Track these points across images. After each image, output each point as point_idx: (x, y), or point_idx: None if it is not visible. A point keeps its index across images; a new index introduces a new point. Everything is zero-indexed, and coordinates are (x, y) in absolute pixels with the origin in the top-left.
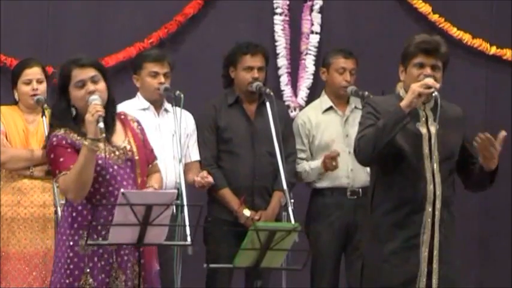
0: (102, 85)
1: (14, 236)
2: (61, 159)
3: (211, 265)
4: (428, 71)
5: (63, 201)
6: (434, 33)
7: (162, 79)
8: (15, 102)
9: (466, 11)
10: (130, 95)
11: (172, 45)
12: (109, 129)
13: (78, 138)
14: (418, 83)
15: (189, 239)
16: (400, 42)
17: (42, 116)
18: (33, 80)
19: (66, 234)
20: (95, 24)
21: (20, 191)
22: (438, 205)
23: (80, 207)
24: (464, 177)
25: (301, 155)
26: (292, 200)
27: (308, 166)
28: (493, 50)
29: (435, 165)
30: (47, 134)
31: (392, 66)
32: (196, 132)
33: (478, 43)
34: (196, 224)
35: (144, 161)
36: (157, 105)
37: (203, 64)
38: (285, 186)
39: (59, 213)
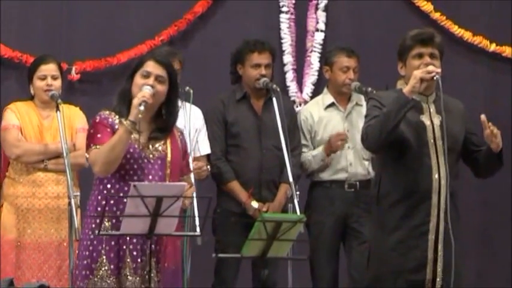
0: (163, 87)
1: (29, 226)
2: (98, 135)
3: (220, 255)
4: (427, 59)
5: (77, 193)
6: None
7: None
8: (31, 98)
9: (467, 10)
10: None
11: (181, 42)
12: (159, 132)
13: (119, 121)
14: (419, 70)
15: (198, 229)
16: None
17: (56, 111)
18: (48, 76)
19: (91, 217)
20: (108, 22)
21: (35, 183)
22: (443, 195)
23: (104, 192)
24: (472, 165)
25: (304, 149)
26: (298, 192)
27: (310, 154)
28: (493, 47)
29: (440, 155)
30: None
31: (395, 62)
32: (205, 126)
33: (479, 40)
34: (205, 215)
35: (176, 166)
36: None
37: (212, 61)
38: (291, 179)
39: (73, 204)
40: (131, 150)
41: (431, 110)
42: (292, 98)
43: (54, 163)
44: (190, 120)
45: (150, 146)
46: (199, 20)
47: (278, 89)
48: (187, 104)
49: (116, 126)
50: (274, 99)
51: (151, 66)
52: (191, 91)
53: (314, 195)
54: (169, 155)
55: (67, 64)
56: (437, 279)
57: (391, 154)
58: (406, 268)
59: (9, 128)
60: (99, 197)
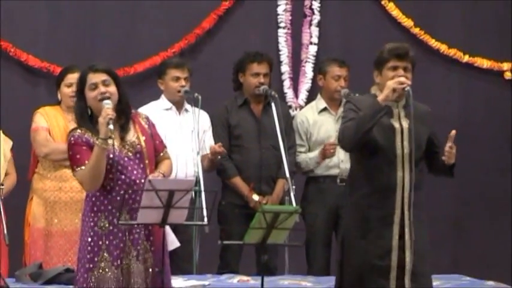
0: (112, 88)
1: (56, 216)
2: (78, 156)
3: (225, 242)
4: (401, 72)
5: None
6: (409, 42)
7: (183, 83)
8: (58, 103)
9: (443, 24)
10: (156, 97)
11: (191, 54)
12: (124, 127)
13: (93, 136)
14: (393, 80)
15: (205, 219)
16: None
17: None
18: (74, 84)
19: (88, 217)
20: (126, 35)
21: (61, 178)
22: (407, 189)
23: (98, 194)
24: (429, 163)
25: (300, 149)
26: (294, 186)
27: (307, 157)
28: (466, 58)
29: (405, 155)
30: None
31: None
32: (211, 128)
33: (453, 52)
34: (212, 206)
35: (151, 152)
36: (178, 105)
37: (217, 70)
38: (287, 175)
39: None
40: (111, 155)
41: (401, 114)
42: (289, 103)
43: None
44: (199, 122)
45: (126, 145)
46: (206, 34)
47: (276, 95)
48: (196, 109)
49: (91, 141)
50: (272, 105)
51: (93, 77)
52: (199, 97)
53: (309, 188)
54: (144, 146)
55: None
56: (406, 265)
57: (363, 153)
58: (373, 255)
59: (38, 129)
60: (93, 198)
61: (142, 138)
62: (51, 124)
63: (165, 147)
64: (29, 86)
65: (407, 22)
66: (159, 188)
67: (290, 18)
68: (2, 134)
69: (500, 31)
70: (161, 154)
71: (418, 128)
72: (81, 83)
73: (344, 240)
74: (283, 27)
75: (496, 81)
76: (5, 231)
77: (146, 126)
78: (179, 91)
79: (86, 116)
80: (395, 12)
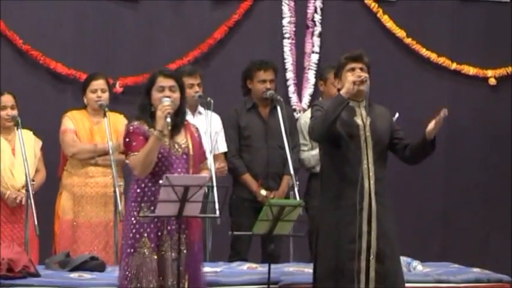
0: (176, 95)
1: (83, 209)
2: (134, 143)
3: (235, 233)
4: (358, 71)
5: (121, 183)
6: (402, 51)
7: (197, 88)
8: (84, 107)
9: (433, 35)
10: None
11: (204, 62)
12: (176, 130)
13: (149, 129)
14: (352, 75)
15: (217, 212)
16: (381, 59)
17: (104, 118)
18: (98, 89)
19: (132, 206)
20: (145, 45)
21: (87, 174)
22: (372, 179)
23: (143, 185)
24: (398, 154)
25: (303, 147)
26: (298, 182)
27: (309, 154)
28: (454, 66)
29: (369, 148)
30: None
31: (374, 77)
32: (222, 130)
33: (442, 60)
34: (223, 201)
35: (197, 157)
36: (193, 108)
37: (228, 77)
38: (292, 172)
39: (117, 192)
40: (161, 150)
41: (363, 113)
42: (293, 107)
43: (102, 159)
44: (211, 124)
45: (175, 145)
46: (218, 44)
47: (281, 100)
48: (209, 112)
49: (147, 133)
50: (278, 108)
51: (162, 81)
52: (212, 101)
53: (312, 184)
54: (191, 150)
55: (112, 79)
56: (371, 248)
57: (331, 147)
58: (345, 240)
59: (66, 131)
60: (138, 190)
61: (191, 144)
62: (78, 126)
63: (206, 158)
64: (57, 91)
65: (400, 33)
66: (176, 184)
67: (294, 29)
68: (32, 135)
69: (484, 41)
70: (202, 164)
71: (379, 124)
72: (150, 82)
73: (319, 228)
74: (288, 38)
75: (481, 86)
76: (36, 223)
77: (196, 135)
78: (193, 96)
79: (147, 111)
80: (389, 24)
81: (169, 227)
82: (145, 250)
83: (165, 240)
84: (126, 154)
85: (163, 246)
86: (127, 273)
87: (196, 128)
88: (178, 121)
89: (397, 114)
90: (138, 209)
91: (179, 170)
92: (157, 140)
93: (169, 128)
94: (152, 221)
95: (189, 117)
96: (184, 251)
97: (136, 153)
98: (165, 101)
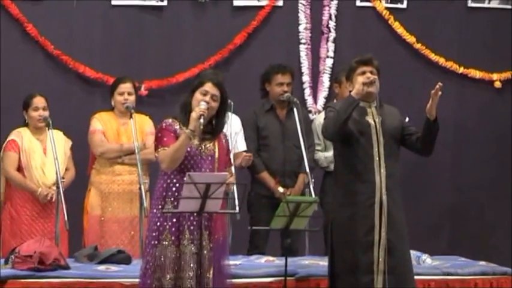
0: (216, 104)
1: (110, 205)
2: (165, 139)
3: (254, 227)
4: (368, 74)
5: (146, 181)
6: (412, 56)
7: None
8: (112, 108)
9: (441, 41)
10: None
11: (224, 66)
12: (209, 136)
13: (181, 128)
14: (362, 77)
15: (237, 208)
16: (393, 63)
17: (130, 119)
18: (125, 92)
19: (158, 200)
20: (168, 50)
21: (114, 173)
22: (383, 175)
23: (168, 181)
24: (411, 147)
25: (317, 147)
26: (313, 180)
27: (323, 155)
28: (461, 70)
29: (380, 145)
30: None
31: (386, 80)
32: (242, 130)
33: (450, 64)
34: (242, 197)
35: (222, 162)
36: None
37: (247, 80)
38: (307, 170)
39: (142, 189)
40: (189, 149)
41: (374, 112)
42: (309, 109)
43: (128, 158)
44: (232, 125)
45: (203, 146)
46: (238, 49)
47: (298, 102)
48: (229, 113)
49: (178, 131)
50: (294, 110)
51: (209, 87)
52: (232, 103)
53: (326, 181)
54: (217, 153)
55: (138, 83)
56: (381, 241)
57: (344, 146)
58: (359, 233)
59: (95, 132)
60: (164, 185)
61: (218, 148)
62: (106, 127)
63: (231, 165)
64: (86, 94)
65: (411, 38)
66: (198, 181)
67: (310, 35)
68: (63, 135)
69: (490, 46)
70: (228, 168)
71: (389, 122)
72: (198, 84)
73: (332, 224)
74: (304, 43)
75: (487, 89)
76: (66, 218)
77: (224, 141)
78: None
79: (186, 110)
80: (400, 30)
81: (189, 222)
82: (167, 242)
83: (185, 234)
84: (156, 148)
85: (184, 240)
86: (151, 263)
87: (225, 135)
88: (211, 129)
89: (407, 119)
90: (163, 204)
91: (204, 170)
92: (187, 138)
93: (201, 128)
94: (175, 216)
95: None
96: (210, 245)
97: (166, 148)
98: (201, 105)
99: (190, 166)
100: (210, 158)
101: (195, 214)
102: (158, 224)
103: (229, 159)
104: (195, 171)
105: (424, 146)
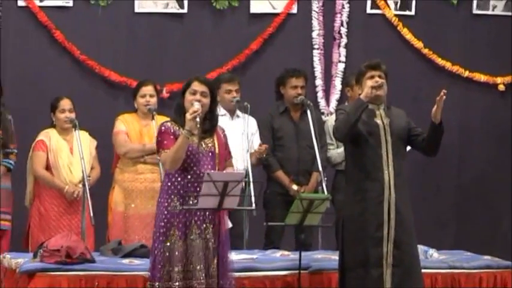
0: (206, 100)
1: (133, 202)
2: (165, 142)
3: (269, 223)
4: (377, 78)
5: None
6: (420, 60)
7: (234, 94)
8: (135, 110)
9: (447, 46)
10: None
11: (241, 70)
12: (207, 133)
13: (179, 129)
14: (371, 81)
15: (253, 205)
16: (401, 68)
17: (152, 120)
18: (147, 95)
19: (163, 199)
20: (189, 55)
21: (137, 171)
22: (392, 174)
23: (173, 180)
24: (418, 148)
25: (330, 147)
26: (325, 178)
27: (335, 151)
28: (467, 73)
29: (388, 145)
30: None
31: (395, 84)
32: (258, 131)
33: (456, 68)
34: (258, 194)
35: (222, 156)
36: (231, 112)
37: (263, 83)
38: (320, 169)
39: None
40: (190, 148)
41: (382, 114)
42: (322, 111)
43: (150, 158)
44: (248, 126)
45: (203, 144)
46: (254, 54)
47: (311, 104)
48: (246, 115)
49: (177, 133)
50: (308, 112)
51: (196, 86)
52: (248, 106)
53: (338, 180)
54: (217, 149)
55: (160, 86)
56: (390, 235)
57: (354, 146)
58: (370, 229)
59: (119, 133)
60: (169, 184)
61: (217, 144)
62: (129, 128)
63: (231, 157)
64: (110, 96)
65: (418, 44)
66: (216, 179)
67: (322, 41)
68: (88, 135)
69: (494, 51)
70: (227, 162)
71: (397, 123)
72: (186, 86)
73: (344, 220)
74: (317, 48)
75: (491, 92)
76: (91, 214)
77: (222, 136)
78: (232, 101)
79: (181, 112)
80: (408, 36)
81: (196, 218)
82: (175, 238)
83: (193, 229)
84: (158, 151)
85: (192, 234)
86: (160, 259)
87: (223, 130)
88: (208, 125)
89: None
90: (169, 201)
91: (205, 166)
92: (185, 138)
93: (198, 126)
94: (181, 212)
95: (228, 119)
96: (213, 238)
97: (166, 150)
98: (195, 105)
99: (193, 164)
100: (210, 154)
101: (202, 210)
102: (165, 220)
103: (229, 152)
104: (197, 169)
105: (429, 147)
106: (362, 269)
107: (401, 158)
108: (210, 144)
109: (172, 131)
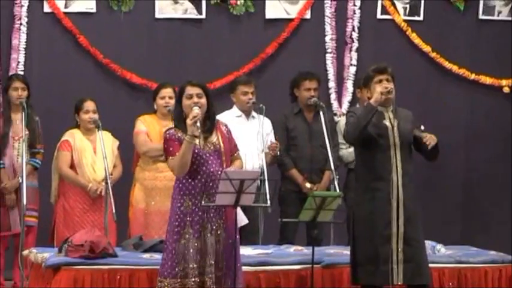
0: (203, 100)
1: (153, 199)
2: (170, 149)
3: (284, 219)
4: (385, 82)
5: None
6: (428, 64)
7: (250, 96)
8: (154, 112)
9: (454, 50)
10: (229, 106)
11: (257, 73)
12: (208, 131)
13: (182, 134)
14: (379, 87)
15: (268, 202)
16: (410, 71)
17: (171, 121)
18: (167, 97)
19: (176, 199)
20: (206, 59)
21: (157, 170)
22: (400, 174)
23: (184, 181)
24: (420, 152)
25: (342, 146)
26: (337, 177)
27: (347, 150)
28: (473, 76)
29: (397, 147)
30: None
31: (404, 86)
32: (272, 131)
33: (463, 71)
34: (273, 192)
35: (228, 152)
36: (247, 113)
37: (277, 86)
38: (332, 167)
39: None
40: (196, 150)
41: (391, 116)
42: (334, 112)
43: None
44: (263, 127)
45: (207, 144)
46: (269, 58)
47: (324, 106)
48: (261, 116)
49: (181, 138)
50: (320, 113)
51: (190, 89)
52: (264, 107)
53: (349, 178)
54: (222, 146)
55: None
56: (399, 233)
57: (363, 147)
58: (379, 226)
59: (139, 133)
60: (180, 185)
61: (221, 140)
62: (149, 128)
63: (237, 150)
64: (131, 98)
65: (427, 48)
66: (233, 178)
67: (335, 45)
68: (111, 135)
69: (499, 54)
70: (235, 154)
71: (404, 126)
72: (180, 93)
73: (354, 217)
74: (329, 52)
75: (496, 94)
76: (114, 211)
77: (225, 131)
78: (247, 102)
79: (181, 119)
80: (417, 40)
81: (210, 216)
82: (188, 236)
83: (206, 226)
84: (166, 159)
85: (205, 231)
86: (174, 256)
87: (225, 125)
88: (209, 124)
89: (422, 127)
90: (181, 202)
91: (213, 165)
92: (188, 143)
93: (199, 129)
94: (194, 211)
95: (244, 120)
96: (224, 234)
97: (173, 157)
98: (194, 109)
99: (201, 164)
100: (216, 153)
101: (214, 207)
102: (179, 220)
103: (235, 145)
104: (206, 168)
105: (427, 157)
106: (372, 265)
107: (408, 159)
108: (215, 143)
109: (176, 137)
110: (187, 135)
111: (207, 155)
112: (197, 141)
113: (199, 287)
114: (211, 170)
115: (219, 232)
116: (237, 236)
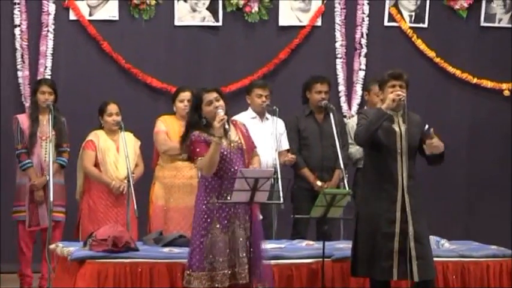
0: (221, 102)
1: (172, 196)
2: (198, 149)
3: (296, 216)
4: (398, 89)
5: None
6: (433, 68)
7: (264, 99)
8: (174, 113)
9: (457, 55)
10: (245, 108)
11: (271, 77)
12: (228, 130)
13: (208, 136)
14: (392, 94)
15: (282, 199)
16: (415, 75)
17: None
18: (185, 100)
19: (202, 196)
20: (222, 64)
21: (176, 168)
22: (405, 176)
23: (209, 179)
24: (425, 158)
25: (350, 145)
26: (347, 175)
27: (355, 149)
28: (475, 80)
29: (404, 150)
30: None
31: (410, 90)
32: (285, 132)
33: (465, 76)
34: (286, 190)
35: (249, 149)
36: (261, 115)
37: (290, 89)
38: (342, 166)
39: None
40: (222, 151)
41: (400, 121)
42: (344, 114)
43: None
44: (276, 128)
45: (231, 143)
46: (282, 63)
47: (333, 107)
48: (275, 118)
49: (207, 139)
50: (331, 114)
51: (207, 96)
52: (277, 109)
53: (358, 177)
54: (244, 145)
55: None
56: (409, 232)
57: (372, 150)
58: (383, 225)
59: (159, 132)
60: (206, 183)
61: (243, 139)
62: (169, 128)
63: (255, 147)
64: (152, 101)
65: (431, 53)
66: (248, 176)
67: (345, 50)
68: (133, 136)
69: (500, 60)
70: (253, 152)
71: (412, 130)
72: (197, 100)
73: (359, 215)
74: (340, 58)
75: (497, 97)
76: (135, 207)
77: (244, 130)
78: (262, 105)
79: (199, 124)
80: (422, 46)
81: (235, 210)
82: (216, 231)
83: (233, 221)
84: (193, 160)
85: (233, 226)
86: (202, 251)
87: (244, 124)
88: (227, 123)
89: (426, 126)
90: (208, 198)
91: (238, 163)
92: (217, 145)
93: (228, 129)
94: (221, 207)
95: (258, 121)
96: (250, 229)
97: (201, 157)
98: (220, 112)
99: (227, 163)
100: (240, 151)
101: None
102: (206, 216)
103: (252, 142)
104: (231, 167)
105: (429, 162)
106: (371, 259)
107: (414, 162)
108: (238, 142)
109: (202, 138)
110: (215, 136)
111: (233, 154)
112: (224, 142)
113: (229, 278)
114: (236, 168)
115: (246, 226)
116: (262, 231)
